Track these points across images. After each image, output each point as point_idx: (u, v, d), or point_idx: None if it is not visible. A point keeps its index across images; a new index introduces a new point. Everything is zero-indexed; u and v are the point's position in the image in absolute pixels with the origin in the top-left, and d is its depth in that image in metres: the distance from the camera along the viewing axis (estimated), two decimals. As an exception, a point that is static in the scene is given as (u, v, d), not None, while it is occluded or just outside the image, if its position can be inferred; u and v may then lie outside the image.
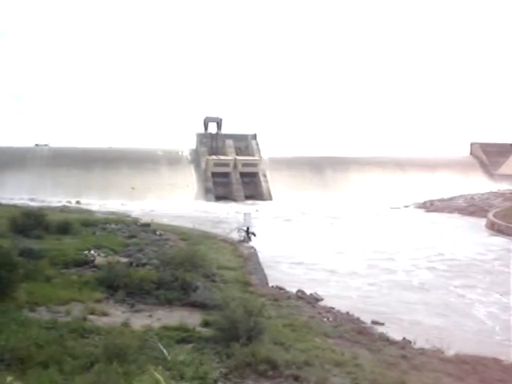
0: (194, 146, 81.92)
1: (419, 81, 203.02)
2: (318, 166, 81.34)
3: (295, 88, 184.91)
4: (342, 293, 25.13)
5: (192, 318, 14.31)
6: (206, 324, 13.69)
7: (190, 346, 11.88)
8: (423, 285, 28.24)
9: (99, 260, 20.08)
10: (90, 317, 13.31)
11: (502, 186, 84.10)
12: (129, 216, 43.07)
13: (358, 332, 17.44)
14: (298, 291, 23.36)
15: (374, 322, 19.86)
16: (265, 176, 76.99)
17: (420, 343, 16.94)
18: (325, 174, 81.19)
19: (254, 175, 77.08)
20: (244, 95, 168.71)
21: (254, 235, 33.31)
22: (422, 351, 16.26)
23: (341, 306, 21.52)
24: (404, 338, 17.54)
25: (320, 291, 23.94)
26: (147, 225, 34.17)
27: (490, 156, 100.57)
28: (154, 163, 76.72)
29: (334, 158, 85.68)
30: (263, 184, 76.37)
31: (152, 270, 18.42)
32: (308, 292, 23.47)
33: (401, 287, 27.38)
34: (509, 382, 14.64)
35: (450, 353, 16.25)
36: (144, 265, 19.88)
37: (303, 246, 38.06)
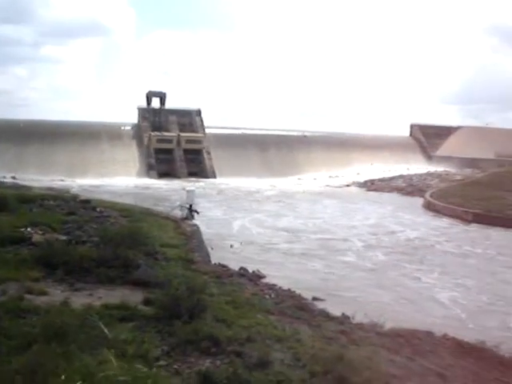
0: (136, 121, 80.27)
1: (363, 62, 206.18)
2: (262, 144, 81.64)
3: (241, 66, 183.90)
4: (284, 271, 25.54)
5: (134, 297, 14.13)
6: (147, 302, 13.55)
7: (131, 324, 11.74)
8: (363, 260, 29.03)
9: (36, 237, 19.41)
10: (28, 296, 12.90)
11: (439, 168, 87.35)
12: (68, 192, 41.86)
13: (299, 308, 17.79)
14: (241, 269, 23.53)
15: (315, 299, 20.32)
16: (209, 153, 76.55)
17: (359, 318, 17.49)
18: (269, 153, 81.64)
19: (198, 152, 76.47)
20: (189, 70, 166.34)
21: (197, 213, 33.09)
22: (361, 326, 16.78)
23: (283, 283, 21.89)
24: (343, 314, 18.03)
25: (263, 269, 24.23)
26: (87, 201, 33.26)
27: (428, 138, 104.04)
28: (94, 138, 74.67)
29: (278, 137, 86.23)
30: (207, 161, 75.95)
31: (92, 248, 18.00)
32: (251, 270, 23.70)
33: (343, 264, 28.04)
34: (439, 352, 15.38)
35: (387, 327, 16.89)
36: (84, 242, 19.38)
37: (247, 223, 38.29)
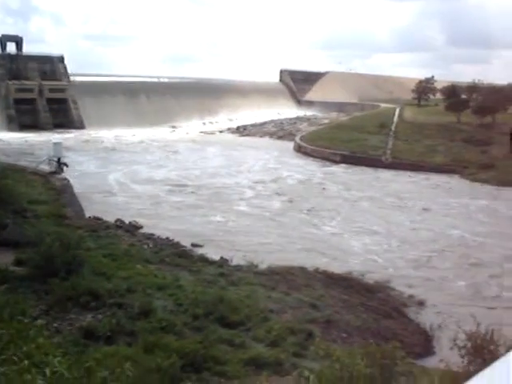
0: (-11, 69, 73.34)
1: (233, 9, 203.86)
2: (132, 92, 78.78)
3: (107, 8, 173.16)
4: (163, 221, 25.44)
5: (4, 258, 13.45)
6: (19, 263, 13.00)
7: (3, 287, 11.23)
8: (255, 208, 29.61)
9: None
10: None
11: (308, 112, 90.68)
12: None
13: (178, 255, 18.05)
14: (117, 220, 23.13)
15: (194, 245, 20.65)
16: (75, 103, 72.34)
17: (237, 261, 18.16)
18: (140, 101, 79.19)
19: (63, 102, 71.95)
20: (51, 14, 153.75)
21: (66, 166, 31.62)
22: (239, 268, 17.49)
23: (162, 232, 21.89)
24: (222, 257, 18.58)
25: (140, 220, 23.98)
26: None
27: (297, 83, 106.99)
28: None
29: (148, 84, 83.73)
30: (73, 111, 71.85)
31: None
32: (127, 221, 23.37)
33: (221, 209, 28.34)
34: (311, 285, 16.58)
35: (264, 266, 17.75)
36: None
37: (123, 176, 37.28)
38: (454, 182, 39.96)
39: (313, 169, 43.92)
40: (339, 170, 43.68)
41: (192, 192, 32.72)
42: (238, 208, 29.11)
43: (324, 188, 36.04)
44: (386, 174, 41.87)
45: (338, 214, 28.64)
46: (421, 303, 16.49)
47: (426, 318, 14.99)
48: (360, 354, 5.92)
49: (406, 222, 27.48)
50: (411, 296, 16.94)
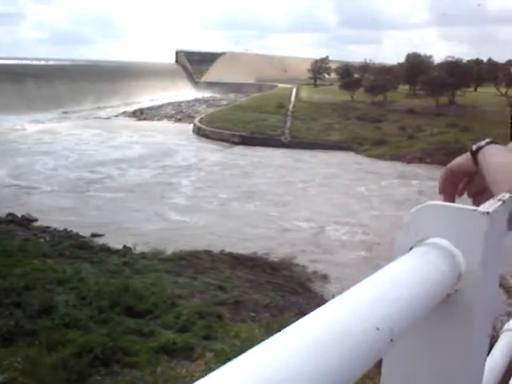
0: None
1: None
2: (16, 75, 73.88)
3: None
4: (59, 213, 24.30)
5: None
6: None
7: None
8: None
9: None
10: None
11: (206, 93, 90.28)
12: None
13: (78, 247, 17.34)
14: (8, 215, 21.75)
15: (94, 235, 19.91)
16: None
17: (141, 248, 17.77)
18: (26, 85, 74.49)
19: None
20: None
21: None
22: (143, 255, 17.14)
23: (58, 224, 20.91)
24: (125, 246, 18.10)
25: (36, 213, 22.73)
26: None
27: (194, 64, 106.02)
28: None
29: (35, 67, 79.19)
30: None
31: None
32: (19, 214, 22.07)
33: (123, 199, 27.56)
34: (218, 268, 16.65)
35: (169, 252, 17.53)
36: None
37: (14, 164, 35.04)
38: (350, 158, 41.70)
39: (207, 151, 43.86)
40: (236, 150, 44.00)
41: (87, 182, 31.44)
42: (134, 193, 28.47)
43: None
44: (277, 152, 42.95)
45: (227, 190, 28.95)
46: (324, 277, 17.11)
47: (329, 291, 15.58)
48: (258, 327, 6.01)
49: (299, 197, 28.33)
50: (315, 271, 17.53)
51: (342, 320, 0.40)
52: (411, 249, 0.50)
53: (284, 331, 0.39)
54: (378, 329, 0.41)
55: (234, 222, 23.91)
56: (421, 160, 38.54)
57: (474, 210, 0.53)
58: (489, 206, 0.52)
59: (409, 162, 38.72)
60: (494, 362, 1.09)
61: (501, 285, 9.31)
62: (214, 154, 42.52)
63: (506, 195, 0.58)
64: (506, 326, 1.27)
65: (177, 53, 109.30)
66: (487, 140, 0.96)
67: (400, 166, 37.75)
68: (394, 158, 40.23)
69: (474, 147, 0.96)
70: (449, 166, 1.02)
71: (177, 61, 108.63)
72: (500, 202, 0.54)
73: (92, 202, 26.14)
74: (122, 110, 73.20)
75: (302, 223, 23.78)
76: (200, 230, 22.25)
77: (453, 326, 0.55)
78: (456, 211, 0.52)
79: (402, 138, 44.75)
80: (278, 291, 15.25)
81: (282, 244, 20.64)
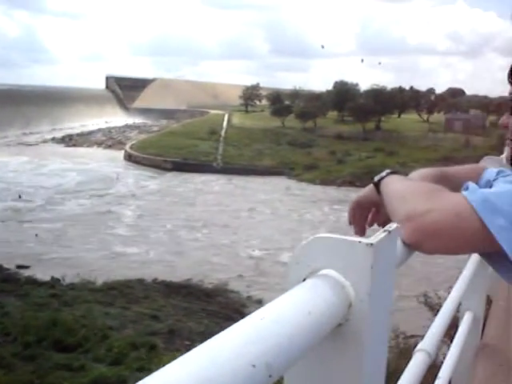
0: None
1: (51, 10, 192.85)
2: None
3: None
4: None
5: None
6: None
7: None
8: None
9: None
10: None
11: (138, 119, 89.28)
12: None
13: (1, 280, 16.51)
14: None
15: (20, 267, 19.02)
16: None
17: (70, 279, 17.12)
18: None
19: None
20: None
21: None
22: (73, 286, 16.54)
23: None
24: (53, 277, 17.41)
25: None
26: None
27: (125, 90, 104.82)
28: None
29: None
30: None
31: None
32: None
33: (59, 229, 26.45)
34: (151, 297, 16.31)
35: (100, 282, 16.99)
36: None
37: None
38: (284, 183, 42.20)
39: (143, 178, 43.14)
40: (171, 177, 43.59)
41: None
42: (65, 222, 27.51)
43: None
44: (211, 178, 43.01)
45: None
46: (259, 302, 17.11)
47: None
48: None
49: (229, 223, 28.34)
50: (249, 297, 17.50)
51: (218, 358, 0.40)
52: (304, 280, 0.52)
53: (160, 370, 0.39)
54: (253, 366, 0.41)
55: (181, 251, 23.42)
56: (351, 184, 39.66)
57: (359, 242, 0.54)
58: (375, 237, 0.56)
59: (339, 186, 39.82)
60: (405, 382, 1.13)
61: (425, 303, 9.66)
62: (150, 180, 41.91)
63: (393, 225, 0.61)
64: (418, 346, 1.33)
65: (107, 78, 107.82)
66: (388, 170, 1.00)
67: (332, 190, 38.63)
68: (325, 182, 41.22)
69: (376, 178, 1.00)
70: (356, 197, 1.06)
71: (107, 86, 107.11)
72: (385, 233, 0.57)
73: (24, 233, 25.01)
74: (50, 136, 70.94)
75: (250, 250, 23.63)
76: (144, 261, 21.66)
77: (345, 354, 0.56)
78: (343, 243, 0.54)
79: (332, 163, 45.97)
80: (212, 318, 15.10)
81: (227, 271, 20.39)
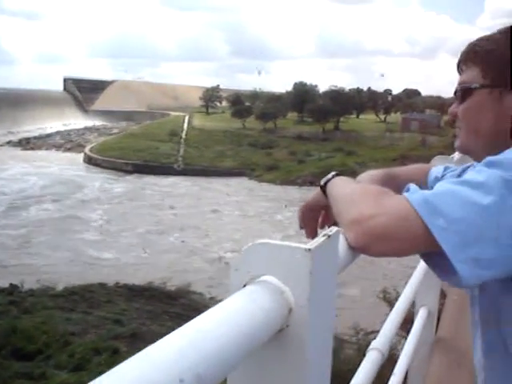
0: None
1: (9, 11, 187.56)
2: None
3: None
4: None
5: None
6: None
7: None
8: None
9: None
10: None
11: (97, 122, 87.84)
12: None
13: (-44, 289, 16.01)
14: None
15: (-24, 274, 18.51)
16: None
17: (29, 285, 16.71)
18: None
19: None
20: None
21: None
22: (32, 292, 16.15)
23: None
24: (11, 284, 16.98)
25: None
26: None
27: (84, 92, 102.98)
28: None
29: None
30: None
31: None
32: None
33: (22, 235, 25.73)
34: (113, 301, 16.07)
35: (60, 288, 16.65)
36: None
37: None
38: (245, 183, 42.21)
39: (106, 181, 42.44)
40: (134, 179, 43.05)
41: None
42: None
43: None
44: (175, 180, 42.65)
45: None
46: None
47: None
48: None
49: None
50: (212, 297, 17.43)
51: (147, 374, 0.39)
52: (244, 287, 0.53)
53: None
54: (181, 380, 0.39)
55: (153, 254, 23.17)
56: (311, 183, 40.03)
57: (298, 248, 0.55)
58: (313, 242, 0.57)
59: (300, 186, 40.09)
60: (358, 382, 1.15)
61: (384, 298, 9.87)
62: (113, 183, 41.21)
63: (333, 229, 0.62)
64: (371, 345, 1.35)
65: (65, 80, 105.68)
66: (333, 173, 1.02)
67: (293, 190, 38.81)
68: (286, 182, 41.45)
69: (323, 181, 1.01)
70: (305, 201, 1.08)
71: (65, 88, 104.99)
72: (324, 238, 0.58)
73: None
74: (6, 139, 69.06)
75: (223, 252, 23.47)
76: (114, 265, 21.32)
77: (287, 359, 0.57)
78: (282, 249, 0.55)
79: (293, 163, 46.28)
80: (176, 320, 14.99)
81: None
